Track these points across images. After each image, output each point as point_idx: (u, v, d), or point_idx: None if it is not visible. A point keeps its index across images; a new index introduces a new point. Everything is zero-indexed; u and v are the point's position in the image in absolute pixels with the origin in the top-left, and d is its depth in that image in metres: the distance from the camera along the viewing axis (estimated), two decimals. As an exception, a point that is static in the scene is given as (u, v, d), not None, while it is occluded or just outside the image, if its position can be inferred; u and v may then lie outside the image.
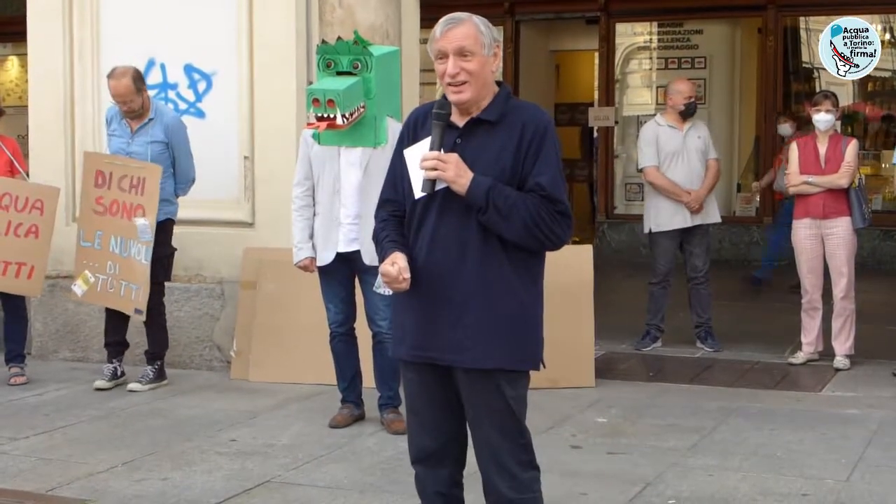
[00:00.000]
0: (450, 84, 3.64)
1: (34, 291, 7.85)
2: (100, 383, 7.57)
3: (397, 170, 3.82)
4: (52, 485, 5.49)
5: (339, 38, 6.00)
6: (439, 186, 3.61)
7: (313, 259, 6.39)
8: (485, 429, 3.72)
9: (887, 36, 13.82)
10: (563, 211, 3.66)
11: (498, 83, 3.77)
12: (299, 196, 6.40)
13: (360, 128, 5.95)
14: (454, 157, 3.59)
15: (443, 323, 3.65)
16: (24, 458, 5.95)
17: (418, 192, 3.64)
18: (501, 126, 3.67)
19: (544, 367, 3.82)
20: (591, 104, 15.51)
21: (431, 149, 3.62)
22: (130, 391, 7.46)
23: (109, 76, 7.42)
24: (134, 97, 7.36)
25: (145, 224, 7.28)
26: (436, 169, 3.57)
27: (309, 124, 6.10)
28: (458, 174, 3.57)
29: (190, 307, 8.06)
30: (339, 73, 5.83)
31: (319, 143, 6.08)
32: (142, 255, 7.33)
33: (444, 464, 3.86)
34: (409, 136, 3.81)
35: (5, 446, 6.18)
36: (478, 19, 3.68)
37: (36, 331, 8.54)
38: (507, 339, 3.66)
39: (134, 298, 7.38)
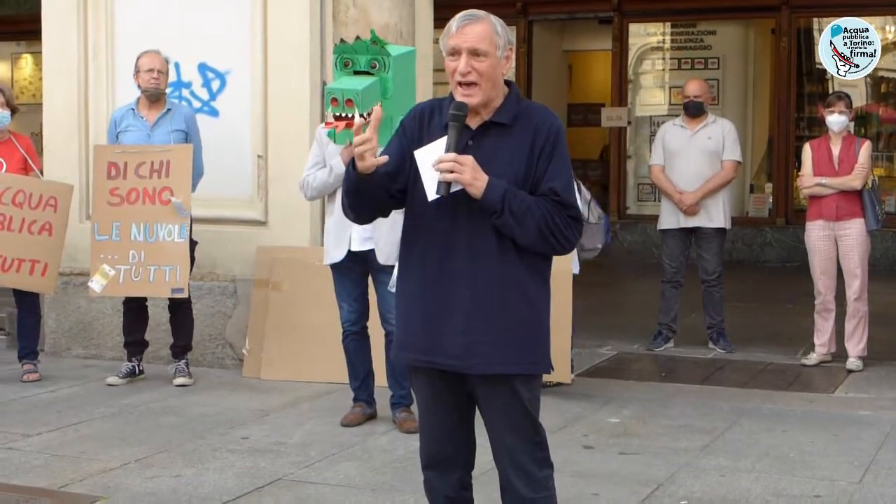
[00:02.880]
0: (459, 83, 3.59)
1: (48, 289, 7.87)
2: (112, 380, 7.59)
3: (392, 152, 3.72)
4: (65, 481, 5.51)
5: (357, 38, 6.00)
6: (454, 189, 3.54)
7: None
8: (501, 430, 3.71)
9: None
10: (575, 216, 3.64)
11: (507, 83, 3.71)
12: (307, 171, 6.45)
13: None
14: (470, 159, 3.52)
15: (455, 328, 3.61)
16: (36, 455, 5.96)
17: (432, 195, 3.56)
18: (514, 129, 3.63)
19: (552, 370, 3.81)
20: (604, 104, 15.49)
21: (447, 150, 3.54)
22: (181, 386, 7.50)
23: (143, 54, 7.56)
24: (164, 76, 7.57)
25: (180, 202, 7.35)
26: (452, 171, 3.50)
27: (327, 123, 6.11)
28: (474, 177, 3.50)
29: (202, 305, 8.07)
30: (357, 73, 5.83)
31: (335, 142, 6.09)
32: (174, 234, 7.39)
33: (454, 468, 3.85)
34: (416, 127, 3.74)
35: (18, 443, 6.20)
36: (495, 19, 3.62)
37: (49, 328, 8.56)
38: (521, 343, 3.63)
39: (168, 280, 7.40)
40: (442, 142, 3.59)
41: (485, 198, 3.53)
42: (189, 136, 7.59)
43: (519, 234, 3.56)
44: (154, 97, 7.55)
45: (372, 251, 6.24)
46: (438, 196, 3.55)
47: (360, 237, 6.27)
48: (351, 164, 3.67)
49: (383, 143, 5.98)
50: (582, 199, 7.30)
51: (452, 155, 3.52)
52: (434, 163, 3.54)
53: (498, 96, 3.66)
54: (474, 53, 3.56)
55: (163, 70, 7.56)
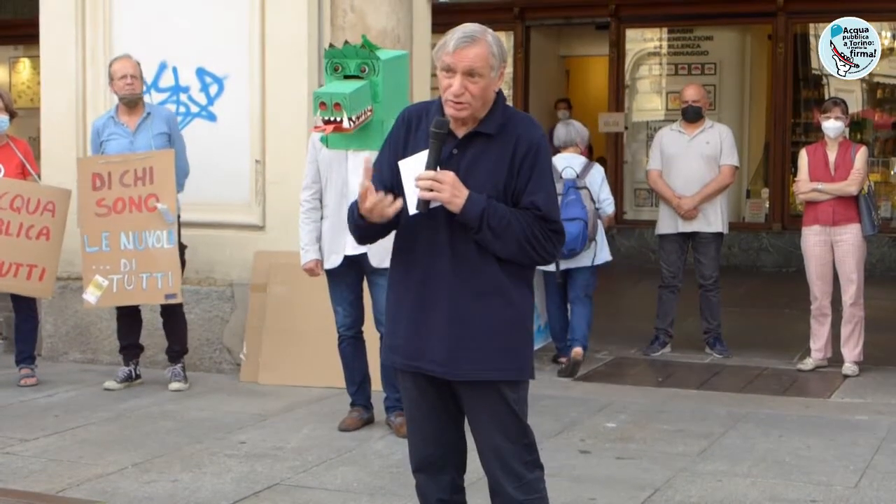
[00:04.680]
0: (450, 100, 3.60)
1: (45, 293, 7.88)
2: (109, 384, 7.60)
3: (384, 166, 3.75)
4: (63, 486, 5.51)
5: (345, 42, 6.00)
6: (434, 205, 3.57)
7: (318, 262, 6.42)
8: (489, 434, 3.72)
9: (897, 43, 13.85)
10: (556, 230, 3.66)
11: (499, 91, 3.73)
12: (307, 199, 6.44)
13: (367, 131, 5.96)
14: (450, 176, 3.54)
15: (439, 334, 3.63)
16: (34, 460, 5.97)
17: (412, 209, 3.60)
18: (498, 139, 3.64)
19: (534, 377, 3.80)
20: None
21: (427, 167, 3.56)
22: (176, 390, 7.51)
23: (114, 61, 7.57)
24: (139, 80, 7.54)
25: (166, 208, 7.36)
26: (431, 189, 3.52)
27: (316, 127, 6.12)
28: (453, 195, 3.52)
29: (200, 310, 8.08)
30: (347, 77, 5.84)
31: (328, 146, 6.11)
32: (163, 240, 7.39)
33: (445, 471, 3.85)
34: (402, 135, 3.75)
35: (16, 447, 6.20)
36: (492, 38, 3.61)
37: (46, 332, 8.56)
38: (504, 349, 3.65)
39: (161, 286, 7.41)
40: (424, 154, 3.61)
41: (463, 214, 3.55)
42: (171, 137, 7.59)
43: (498, 247, 3.59)
44: (132, 103, 7.53)
45: (365, 255, 6.23)
46: (418, 211, 3.59)
47: (354, 242, 6.26)
48: (360, 215, 3.66)
49: (374, 147, 6.00)
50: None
51: (431, 173, 3.54)
52: (414, 179, 3.57)
53: (486, 106, 3.67)
54: (469, 74, 3.57)
55: (136, 74, 7.52)
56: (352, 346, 6.53)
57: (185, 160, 7.63)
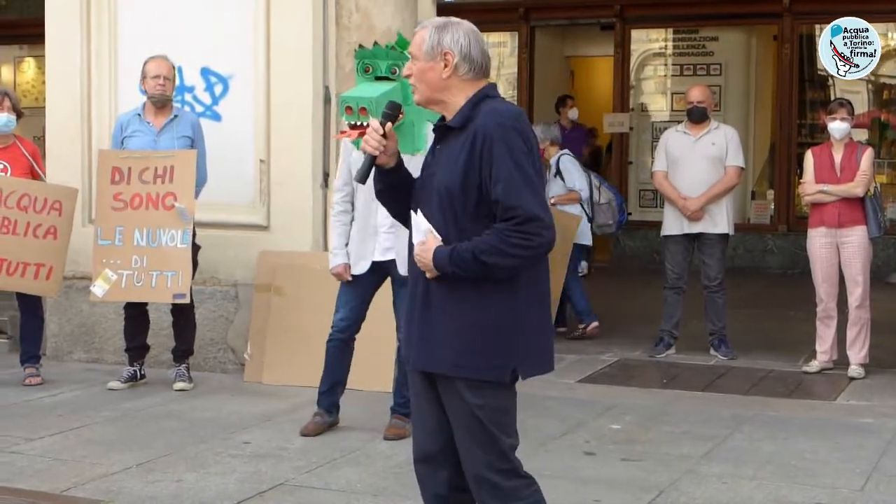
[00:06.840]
0: None
1: (52, 292, 7.87)
2: (113, 384, 7.60)
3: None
4: (67, 485, 5.51)
5: (375, 43, 5.97)
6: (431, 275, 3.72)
7: (347, 266, 6.36)
8: (458, 433, 3.75)
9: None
10: (530, 217, 3.56)
11: (485, 88, 3.77)
12: (338, 202, 6.42)
13: (398, 134, 5.92)
14: (423, 250, 3.69)
15: (420, 328, 3.73)
16: (38, 459, 5.97)
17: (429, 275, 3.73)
18: (462, 132, 3.70)
19: (521, 378, 3.73)
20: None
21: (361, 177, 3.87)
22: (180, 390, 7.51)
23: (149, 60, 7.56)
24: (171, 83, 7.56)
25: (183, 208, 7.36)
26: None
27: (341, 133, 6.08)
28: (425, 266, 3.68)
29: (204, 309, 8.07)
30: (378, 78, 5.81)
31: (358, 149, 6.09)
32: (177, 239, 7.39)
33: (444, 466, 3.86)
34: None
35: (20, 447, 6.20)
36: (437, 26, 3.76)
37: (51, 331, 8.56)
38: (469, 347, 3.64)
39: (170, 285, 7.40)
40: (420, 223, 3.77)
41: (438, 270, 3.65)
42: (195, 142, 7.60)
43: (489, 275, 3.60)
44: (160, 103, 7.55)
45: (393, 261, 6.19)
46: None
47: (381, 247, 6.24)
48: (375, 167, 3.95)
49: (404, 149, 5.97)
50: (592, 184, 9.48)
51: (416, 252, 3.73)
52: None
53: (457, 100, 3.76)
54: (413, 57, 3.82)
55: (169, 76, 7.54)
56: (339, 348, 6.43)
57: (205, 169, 7.62)
